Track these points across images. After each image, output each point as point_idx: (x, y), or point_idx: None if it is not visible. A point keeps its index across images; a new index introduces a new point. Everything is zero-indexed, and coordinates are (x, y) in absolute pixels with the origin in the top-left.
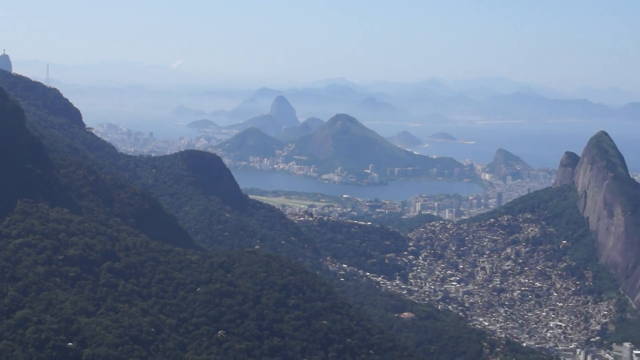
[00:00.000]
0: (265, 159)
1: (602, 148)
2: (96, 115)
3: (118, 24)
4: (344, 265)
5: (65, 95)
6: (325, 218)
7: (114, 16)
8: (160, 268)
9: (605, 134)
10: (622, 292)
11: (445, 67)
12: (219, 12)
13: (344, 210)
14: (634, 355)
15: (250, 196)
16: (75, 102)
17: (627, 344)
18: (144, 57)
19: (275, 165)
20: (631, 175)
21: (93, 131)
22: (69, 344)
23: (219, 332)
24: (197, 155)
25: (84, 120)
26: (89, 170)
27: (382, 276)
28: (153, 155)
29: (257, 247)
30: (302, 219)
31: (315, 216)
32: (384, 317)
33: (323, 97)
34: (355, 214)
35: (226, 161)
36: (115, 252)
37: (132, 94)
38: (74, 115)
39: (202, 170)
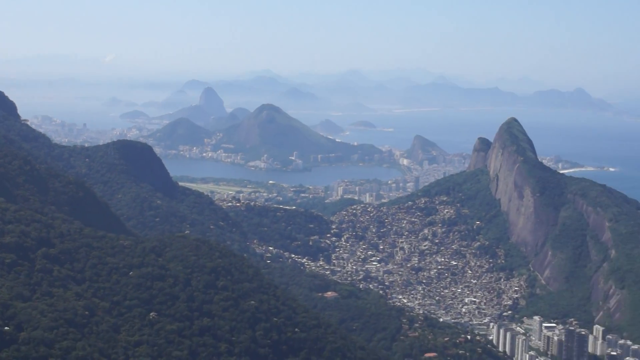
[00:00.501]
0: (195, 148)
1: (513, 134)
2: (31, 107)
3: (51, 17)
4: (270, 248)
5: (0, 89)
6: (252, 203)
7: (47, 9)
8: (93, 253)
9: (515, 120)
10: (531, 268)
11: (366, 59)
12: (149, 5)
13: (270, 195)
14: (543, 328)
15: (180, 183)
16: (10, 95)
17: (536, 318)
18: (77, 50)
19: (204, 154)
20: (539, 159)
21: (28, 123)
22: (6, 328)
23: (151, 314)
24: (128, 145)
25: (19, 112)
26: (24, 160)
27: (306, 258)
28: (86, 145)
29: (187, 231)
30: (230, 204)
31: (242, 201)
32: (309, 297)
33: (249, 88)
34: (281, 199)
35: (157, 150)
36: (50, 238)
37: (65, 87)
38: (9, 107)
39: (133, 159)
